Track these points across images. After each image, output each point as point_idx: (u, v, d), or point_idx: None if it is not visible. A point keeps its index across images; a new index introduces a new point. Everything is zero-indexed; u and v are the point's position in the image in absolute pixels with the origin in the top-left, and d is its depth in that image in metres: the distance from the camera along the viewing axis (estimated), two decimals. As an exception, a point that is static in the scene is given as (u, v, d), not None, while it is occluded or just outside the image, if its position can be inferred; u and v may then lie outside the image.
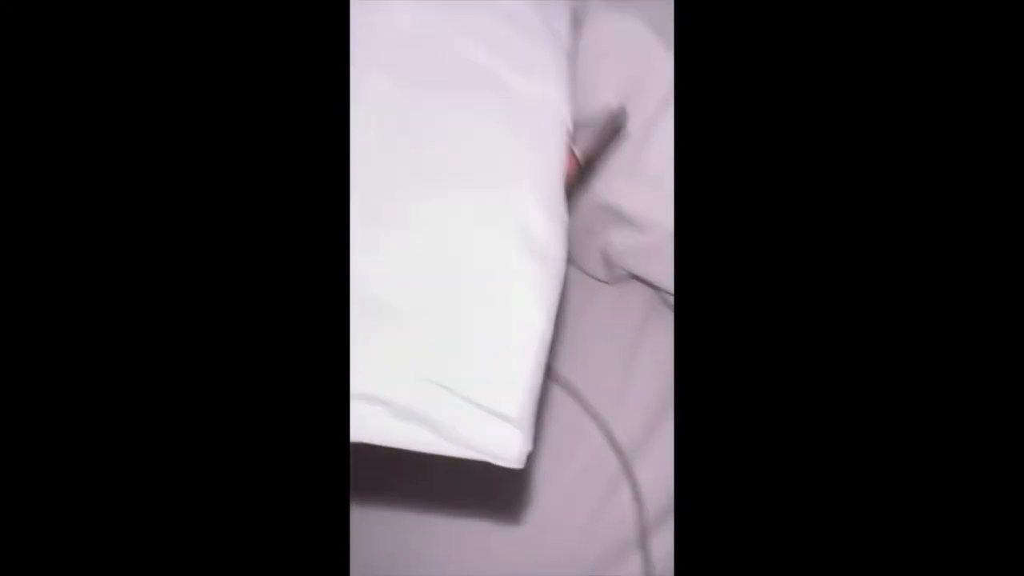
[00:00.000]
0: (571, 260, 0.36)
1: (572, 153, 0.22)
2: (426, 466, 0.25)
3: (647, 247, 0.33)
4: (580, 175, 0.22)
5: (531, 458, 0.34)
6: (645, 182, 0.31)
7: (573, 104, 0.23)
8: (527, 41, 0.22)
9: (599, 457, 0.36)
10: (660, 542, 0.35)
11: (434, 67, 0.22)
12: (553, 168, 0.22)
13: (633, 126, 0.30)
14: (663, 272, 0.33)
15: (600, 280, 0.37)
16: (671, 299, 0.35)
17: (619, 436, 0.35)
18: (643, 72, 0.29)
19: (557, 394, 0.35)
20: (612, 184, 0.32)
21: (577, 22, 0.26)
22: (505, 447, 0.21)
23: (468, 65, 0.21)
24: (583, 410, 0.35)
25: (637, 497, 0.35)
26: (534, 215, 0.21)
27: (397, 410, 0.20)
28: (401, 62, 0.21)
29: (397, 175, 0.21)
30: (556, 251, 0.21)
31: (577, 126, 0.22)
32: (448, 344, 0.21)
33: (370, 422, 0.21)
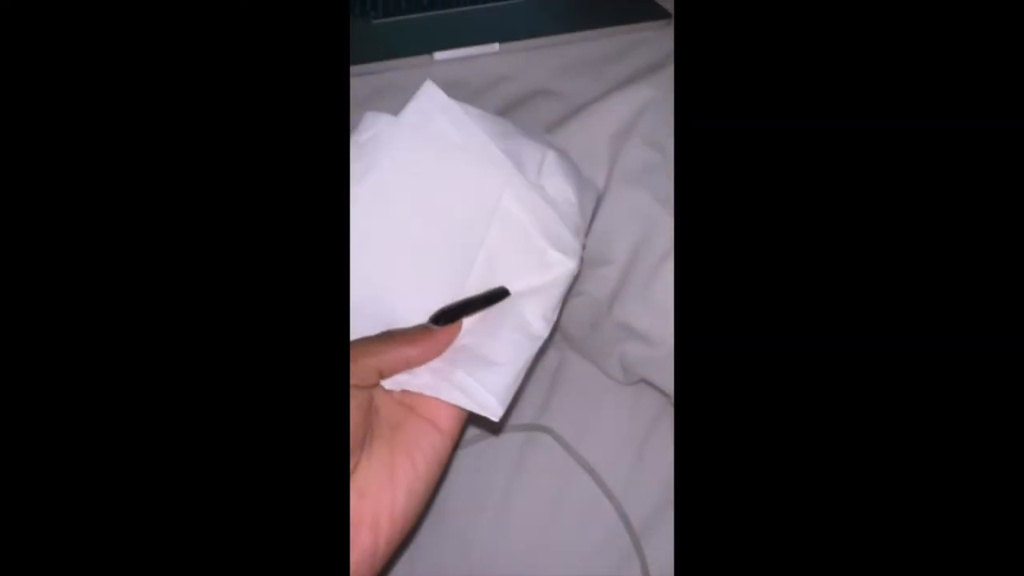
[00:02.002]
0: (596, 364, 0.44)
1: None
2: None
3: (654, 358, 0.40)
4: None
5: (549, 531, 0.40)
6: (653, 309, 0.40)
7: (583, 259, 0.35)
8: (563, 224, 0.34)
9: (613, 534, 0.41)
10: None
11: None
12: (555, 296, 0.34)
13: (644, 269, 0.39)
14: (668, 379, 0.41)
15: (620, 382, 0.44)
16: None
17: (632, 516, 0.41)
18: (649, 231, 0.39)
19: (579, 474, 0.42)
20: (627, 308, 0.41)
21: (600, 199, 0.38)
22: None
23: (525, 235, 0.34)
24: (600, 491, 0.42)
25: (646, 573, 0.40)
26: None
27: None
28: None
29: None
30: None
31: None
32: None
33: None
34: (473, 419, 0.32)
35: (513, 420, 0.44)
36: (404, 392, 0.31)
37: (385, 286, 0.33)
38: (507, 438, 0.43)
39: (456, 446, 0.31)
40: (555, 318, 0.34)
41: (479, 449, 0.43)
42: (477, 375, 0.31)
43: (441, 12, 0.58)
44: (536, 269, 0.34)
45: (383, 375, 0.30)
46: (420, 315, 0.32)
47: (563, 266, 0.34)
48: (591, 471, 0.42)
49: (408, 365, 0.30)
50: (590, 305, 0.43)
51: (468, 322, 0.33)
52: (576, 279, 0.35)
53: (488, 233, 0.34)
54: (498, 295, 0.33)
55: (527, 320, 0.33)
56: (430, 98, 0.33)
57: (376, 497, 0.28)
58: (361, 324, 0.31)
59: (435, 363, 0.31)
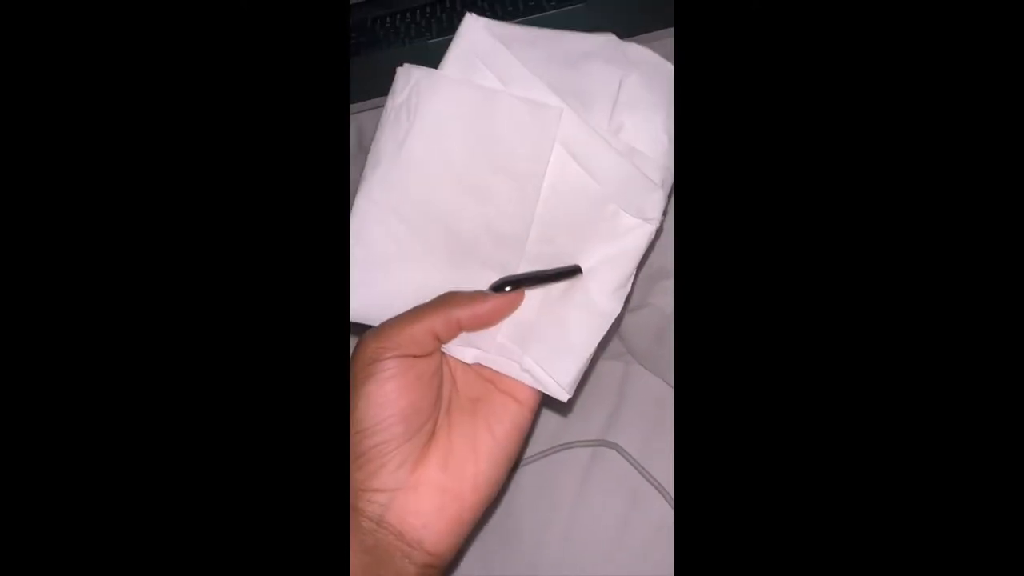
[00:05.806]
0: (663, 378, 0.43)
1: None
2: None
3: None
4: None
5: (618, 550, 0.39)
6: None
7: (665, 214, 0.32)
8: (641, 179, 0.30)
9: (662, 522, 0.40)
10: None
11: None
12: (629, 266, 0.31)
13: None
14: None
15: (667, 383, 0.43)
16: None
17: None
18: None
19: (648, 491, 0.41)
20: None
21: None
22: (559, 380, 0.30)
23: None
24: (670, 508, 0.41)
25: None
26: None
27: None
28: None
29: None
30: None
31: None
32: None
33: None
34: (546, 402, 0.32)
35: (579, 436, 0.43)
36: (483, 367, 0.31)
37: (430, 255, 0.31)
38: (573, 454, 0.43)
39: (536, 416, 0.31)
40: (629, 288, 0.31)
41: (544, 465, 0.43)
42: (546, 364, 0.30)
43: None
44: (606, 237, 0.30)
45: (440, 339, 0.30)
46: (476, 285, 0.31)
47: (639, 231, 0.30)
48: (660, 488, 0.41)
49: (460, 328, 0.30)
50: (655, 317, 0.42)
51: (534, 297, 0.31)
52: (658, 234, 0.31)
53: (542, 196, 0.30)
54: (568, 272, 0.31)
55: (595, 300, 0.30)
56: (471, 41, 0.29)
57: (459, 468, 0.29)
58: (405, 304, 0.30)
59: (504, 341, 0.31)
